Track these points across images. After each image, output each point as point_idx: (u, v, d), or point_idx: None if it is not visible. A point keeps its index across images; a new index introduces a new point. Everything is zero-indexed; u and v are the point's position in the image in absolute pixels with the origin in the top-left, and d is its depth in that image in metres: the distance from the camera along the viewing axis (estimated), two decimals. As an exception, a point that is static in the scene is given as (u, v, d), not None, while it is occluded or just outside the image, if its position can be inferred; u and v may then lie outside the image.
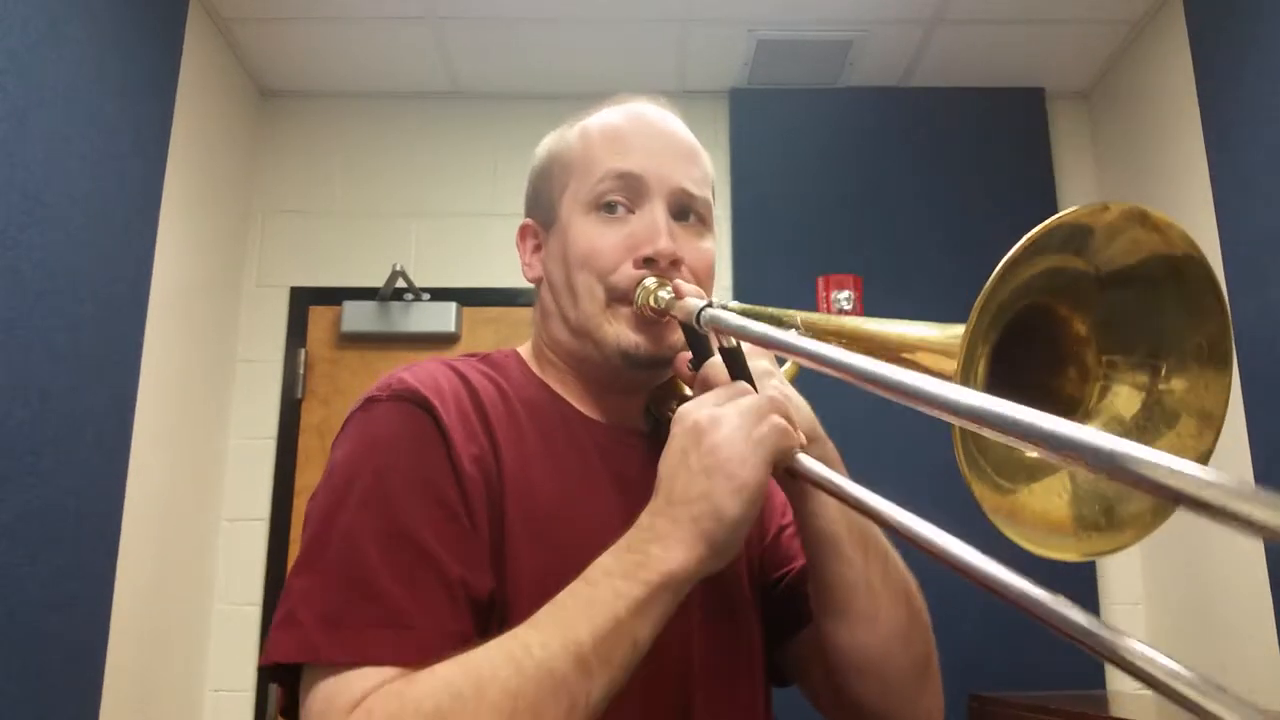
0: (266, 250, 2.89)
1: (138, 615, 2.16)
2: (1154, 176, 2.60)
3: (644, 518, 0.66)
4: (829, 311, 2.72)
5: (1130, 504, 0.58)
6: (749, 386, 0.71)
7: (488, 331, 2.81)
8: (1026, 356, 0.64)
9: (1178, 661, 0.36)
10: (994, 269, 0.55)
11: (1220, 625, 2.28)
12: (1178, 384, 0.60)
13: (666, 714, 0.76)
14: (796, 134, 2.91)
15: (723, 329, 0.72)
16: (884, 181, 2.85)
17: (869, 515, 0.58)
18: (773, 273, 2.78)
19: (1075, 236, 0.57)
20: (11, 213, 1.69)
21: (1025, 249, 0.54)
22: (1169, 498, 0.32)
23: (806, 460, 0.66)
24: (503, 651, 0.61)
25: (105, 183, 2.02)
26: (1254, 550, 2.10)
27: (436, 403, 0.73)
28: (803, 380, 0.84)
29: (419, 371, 0.77)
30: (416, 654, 0.63)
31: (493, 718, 0.58)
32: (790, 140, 2.91)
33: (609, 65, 2.82)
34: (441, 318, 2.78)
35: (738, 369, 0.73)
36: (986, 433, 0.42)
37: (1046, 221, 0.54)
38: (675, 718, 0.77)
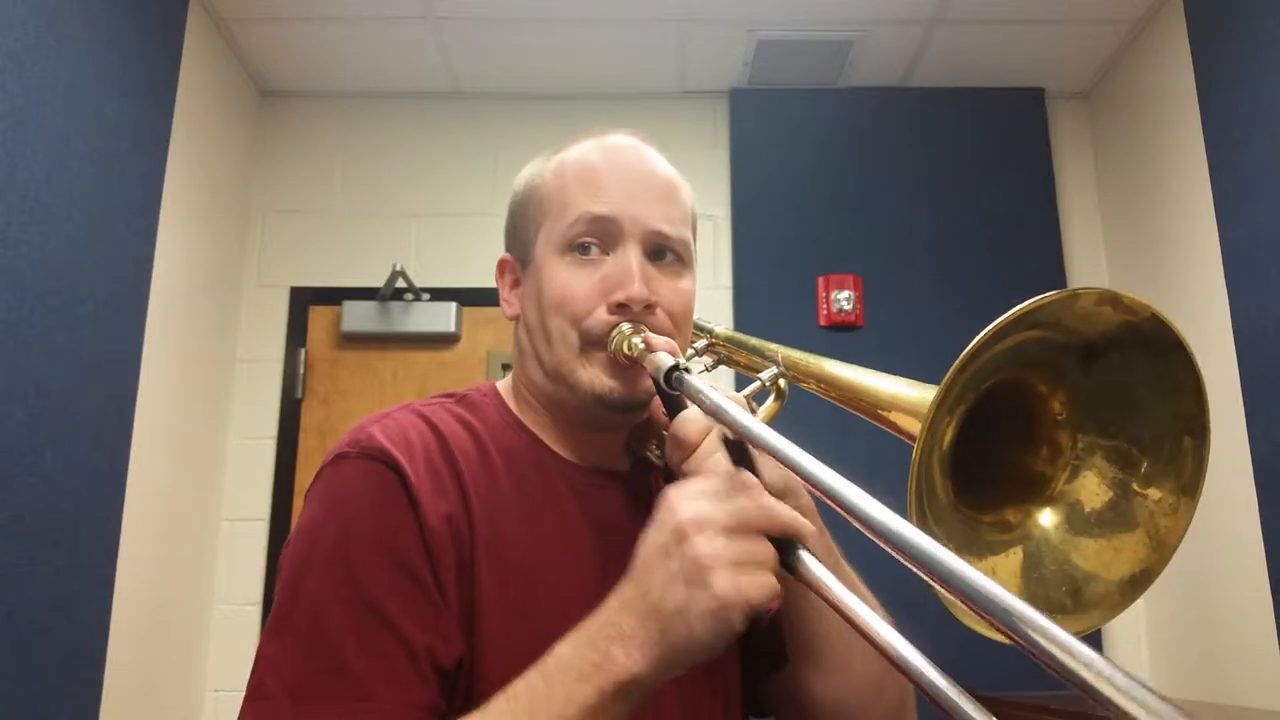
0: (266, 250, 2.89)
1: (138, 615, 2.16)
2: (1154, 177, 2.60)
3: (614, 606, 0.62)
4: (830, 311, 2.72)
5: (1098, 584, 0.58)
6: (750, 481, 0.64)
7: (488, 332, 2.81)
8: (1002, 429, 0.63)
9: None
10: (979, 335, 0.55)
11: (1220, 625, 2.28)
12: (1153, 493, 0.59)
13: None
14: (796, 134, 2.91)
15: (689, 395, 0.72)
16: (884, 181, 2.85)
17: (860, 631, 0.54)
18: (773, 273, 2.78)
19: (1047, 320, 0.57)
20: (11, 213, 1.69)
21: (993, 334, 0.54)
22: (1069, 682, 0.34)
23: (813, 566, 0.60)
24: None
25: (105, 183, 2.02)
26: (1254, 550, 2.10)
27: (405, 461, 0.73)
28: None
29: (389, 426, 0.77)
30: None
31: None
32: (790, 140, 2.91)
33: (609, 65, 2.82)
34: (441, 318, 2.78)
35: (741, 458, 0.67)
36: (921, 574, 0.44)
37: (1014, 310, 0.54)
38: None
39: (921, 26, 2.66)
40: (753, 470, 0.66)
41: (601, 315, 0.81)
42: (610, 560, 0.80)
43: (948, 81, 2.91)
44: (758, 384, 0.83)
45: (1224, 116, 2.26)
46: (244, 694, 0.68)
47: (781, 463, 0.57)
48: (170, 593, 2.37)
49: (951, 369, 0.55)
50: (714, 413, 0.67)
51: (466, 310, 2.81)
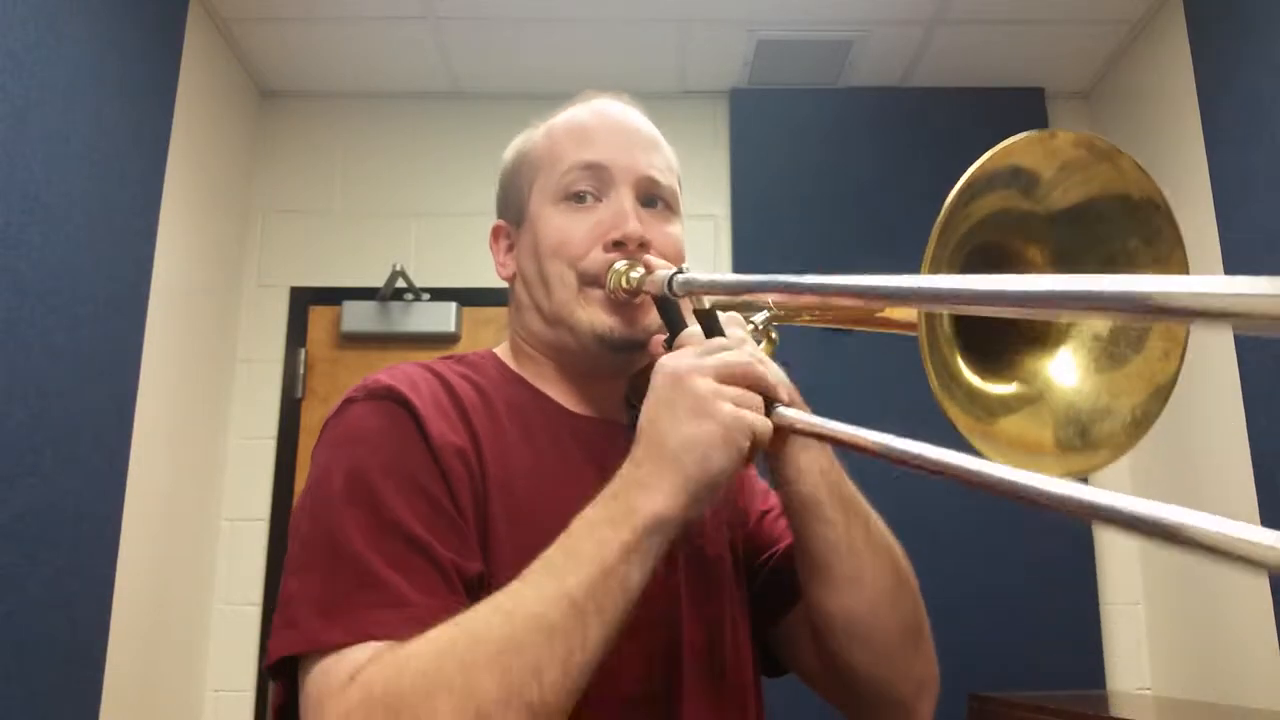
0: (266, 250, 2.89)
1: (138, 615, 2.16)
2: (1154, 176, 2.60)
3: (625, 468, 0.67)
4: (829, 311, 2.72)
5: (1104, 424, 0.60)
6: (732, 340, 0.72)
7: (488, 332, 2.81)
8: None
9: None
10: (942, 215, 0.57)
11: (1220, 625, 2.28)
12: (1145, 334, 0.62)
13: (655, 700, 0.76)
14: (796, 134, 2.91)
15: (697, 289, 0.74)
16: (884, 181, 2.85)
17: (861, 449, 0.59)
18: (773, 273, 2.78)
19: (1023, 174, 0.59)
20: (11, 213, 1.69)
21: (976, 177, 0.56)
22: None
23: (788, 412, 0.68)
24: (492, 606, 0.62)
25: (105, 183, 2.02)
26: (1254, 550, 2.10)
27: (413, 398, 0.74)
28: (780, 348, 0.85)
29: (395, 372, 0.78)
30: (413, 627, 0.63)
31: (487, 667, 0.58)
32: (790, 140, 2.90)
33: (609, 65, 2.82)
34: (441, 318, 2.78)
35: (713, 329, 0.75)
36: (988, 310, 0.45)
37: (991, 151, 0.55)
38: (663, 703, 0.77)
39: (921, 26, 2.66)
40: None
41: (598, 255, 0.83)
42: None
43: (948, 81, 2.91)
44: (750, 328, 0.84)
45: (1224, 116, 2.26)
46: (272, 628, 0.68)
47: (812, 295, 0.64)
48: (170, 593, 2.37)
49: (933, 233, 0.57)
50: (730, 290, 0.73)
51: (466, 310, 2.81)
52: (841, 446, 0.62)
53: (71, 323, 1.87)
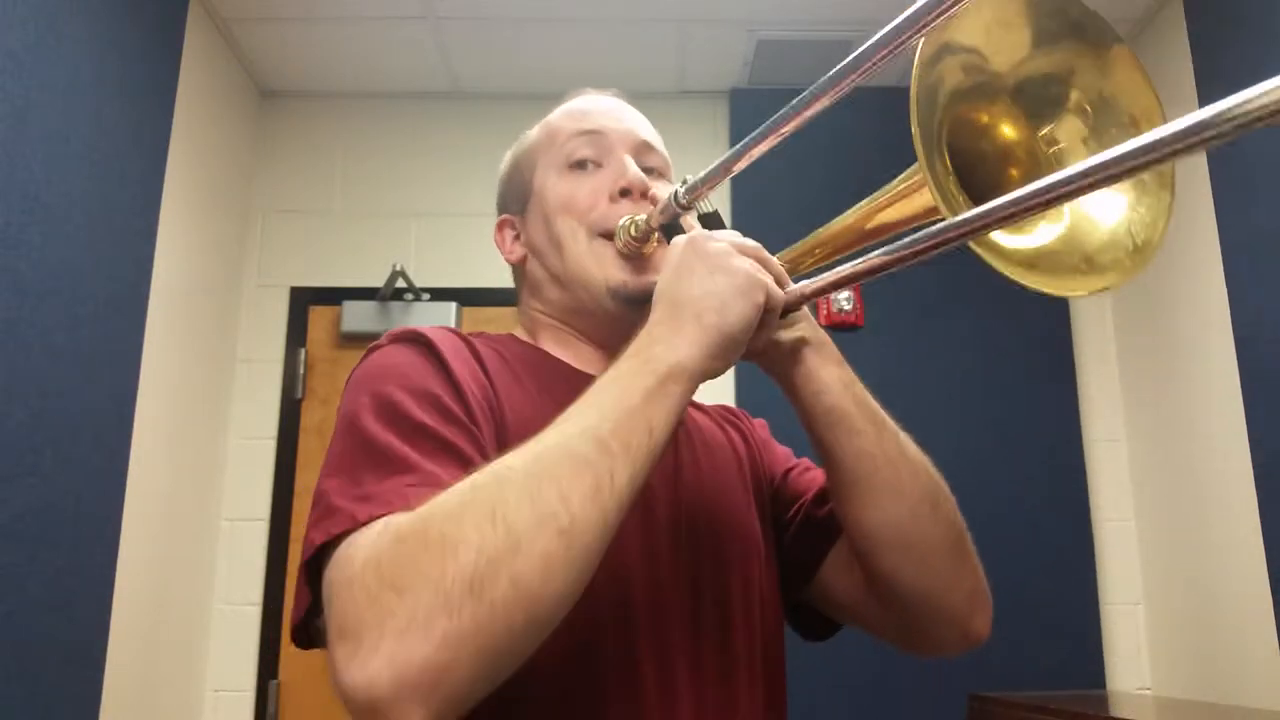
0: (266, 250, 2.89)
1: (138, 615, 2.16)
2: (1154, 176, 2.60)
3: (643, 330, 0.69)
4: (829, 310, 2.72)
5: (1108, 253, 0.65)
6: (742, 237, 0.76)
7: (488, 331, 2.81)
8: (979, 162, 0.70)
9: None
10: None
11: (1220, 625, 2.28)
12: (1091, 83, 0.70)
13: (657, 658, 0.75)
14: (797, 134, 2.91)
15: (704, 188, 0.79)
16: (884, 181, 2.84)
17: (881, 268, 0.65)
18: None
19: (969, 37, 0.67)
20: (11, 213, 1.69)
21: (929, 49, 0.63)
22: None
23: (796, 284, 0.74)
24: (518, 451, 0.62)
25: (105, 183, 2.02)
26: (1254, 550, 2.10)
27: (436, 341, 0.76)
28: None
29: (416, 326, 0.81)
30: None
31: (516, 494, 0.58)
32: (790, 140, 2.90)
33: (609, 65, 2.82)
34: (441, 318, 2.77)
35: (715, 227, 0.81)
36: None
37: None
38: (666, 662, 0.76)
39: (921, 26, 2.66)
40: None
41: (605, 208, 0.87)
42: None
43: (948, 81, 2.91)
44: None
45: (1224, 116, 2.26)
46: (308, 526, 0.67)
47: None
48: (170, 593, 2.37)
49: (912, 116, 0.64)
50: (729, 164, 0.78)
51: (466, 310, 2.81)
52: (860, 279, 0.67)
53: (71, 323, 1.87)
